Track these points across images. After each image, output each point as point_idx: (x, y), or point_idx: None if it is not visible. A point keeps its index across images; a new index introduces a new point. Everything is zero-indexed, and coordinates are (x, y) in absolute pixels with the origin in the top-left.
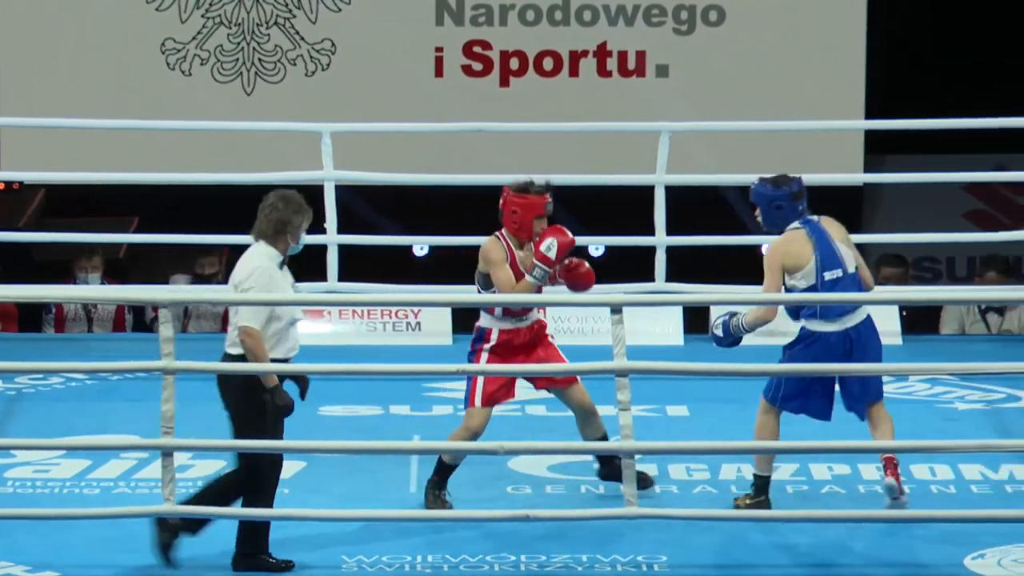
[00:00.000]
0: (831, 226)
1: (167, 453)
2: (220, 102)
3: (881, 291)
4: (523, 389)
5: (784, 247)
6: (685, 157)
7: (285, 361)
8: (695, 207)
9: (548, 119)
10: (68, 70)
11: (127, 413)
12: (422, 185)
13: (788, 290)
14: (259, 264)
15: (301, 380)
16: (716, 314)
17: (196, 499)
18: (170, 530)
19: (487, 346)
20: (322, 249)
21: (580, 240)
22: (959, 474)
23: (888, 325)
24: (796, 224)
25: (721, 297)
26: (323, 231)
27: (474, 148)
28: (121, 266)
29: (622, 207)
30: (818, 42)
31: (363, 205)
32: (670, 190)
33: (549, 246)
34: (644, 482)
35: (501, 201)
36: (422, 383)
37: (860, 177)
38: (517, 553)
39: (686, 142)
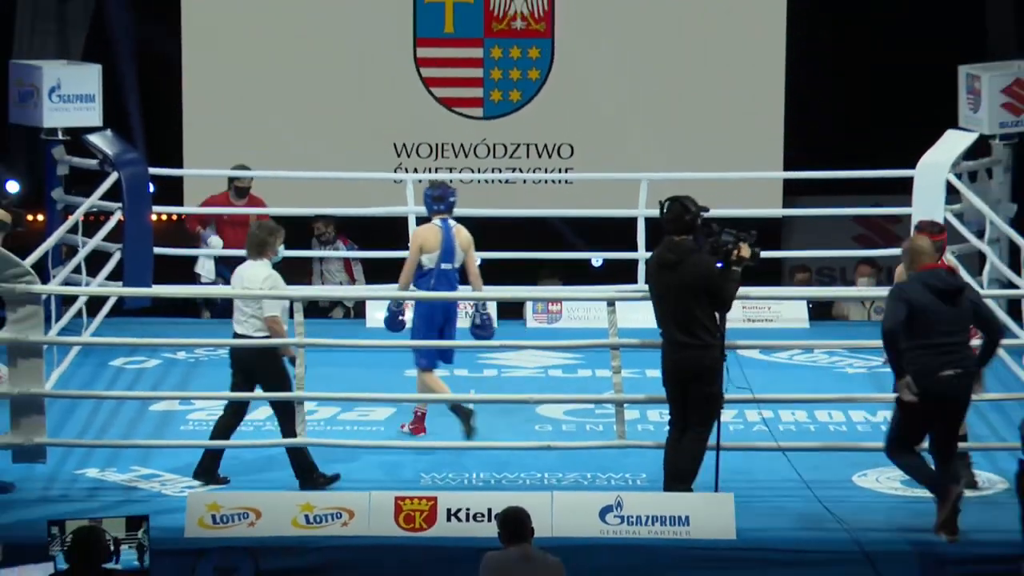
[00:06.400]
0: (459, 232)
1: (299, 402)
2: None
3: (792, 290)
4: None
5: (423, 233)
6: (659, 194)
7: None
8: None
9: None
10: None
11: None
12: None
13: (420, 267)
14: (269, 272)
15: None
16: None
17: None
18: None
19: None
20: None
21: (586, 255)
22: (849, 418)
23: (799, 314)
24: (436, 221)
25: None
26: (406, 247)
27: (509, 190)
28: None
29: (615, 231)
30: (749, 114)
31: None
32: (648, 219)
33: None
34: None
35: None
36: (475, 355)
37: (780, 211)
38: (542, 471)
39: (659, 185)
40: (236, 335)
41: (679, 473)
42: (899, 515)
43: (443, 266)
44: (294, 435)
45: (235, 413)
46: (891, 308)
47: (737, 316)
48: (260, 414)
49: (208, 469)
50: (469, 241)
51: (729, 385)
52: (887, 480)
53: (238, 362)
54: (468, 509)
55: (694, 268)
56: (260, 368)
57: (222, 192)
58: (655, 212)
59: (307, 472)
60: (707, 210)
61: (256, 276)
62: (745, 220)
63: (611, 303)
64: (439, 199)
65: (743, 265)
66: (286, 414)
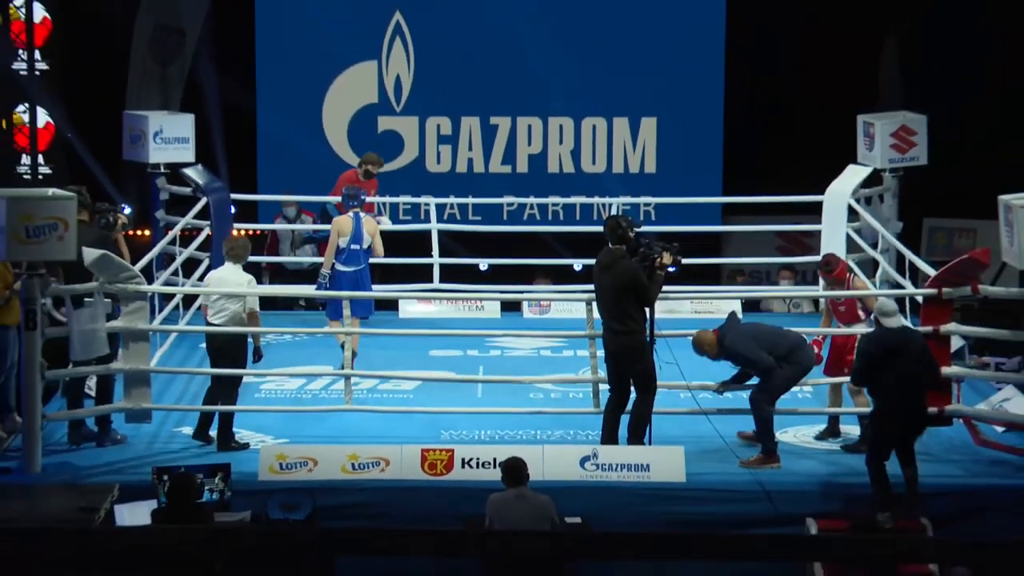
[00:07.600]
0: (367, 221)
1: (347, 377)
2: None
3: (729, 289)
4: None
5: (340, 222)
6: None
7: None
8: None
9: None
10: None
11: (326, 354)
12: (482, 231)
13: (338, 248)
14: (248, 276)
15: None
16: None
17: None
18: None
19: None
20: (430, 265)
21: (570, 261)
22: None
23: (734, 308)
24: (350, 214)
25: None
26: (431, 255)
27: (515, 209)
28: None
29: (592, 242)
30: (694, 151)
31: (452, 242)
32: None
33: None
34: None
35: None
36: (484, 339)
37: (719, 228)
38: (535, 430)
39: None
40: (210, 324)
41: (633, 432)
42: (801, 462)
43: (352, 247)
44: (214, 404)
45: (233, 385)
46: (755, 357)
47: (687, 309)
48: (317, 385)
49: (226, 436)
50: (375, 228)
51: (661, 363)
52: (802, 436)
53: (214, 344)
54: (478, 459)
55: (622, 271)
56: (233, 348)
57: (352, 170)
58: None
59: (223, 438)
60: (639, 225)
61: (239, 279)
62: (681, 235)
63: (589, 301)
64: (352, 197)
65: (665, 270)
66: (229, 386)
